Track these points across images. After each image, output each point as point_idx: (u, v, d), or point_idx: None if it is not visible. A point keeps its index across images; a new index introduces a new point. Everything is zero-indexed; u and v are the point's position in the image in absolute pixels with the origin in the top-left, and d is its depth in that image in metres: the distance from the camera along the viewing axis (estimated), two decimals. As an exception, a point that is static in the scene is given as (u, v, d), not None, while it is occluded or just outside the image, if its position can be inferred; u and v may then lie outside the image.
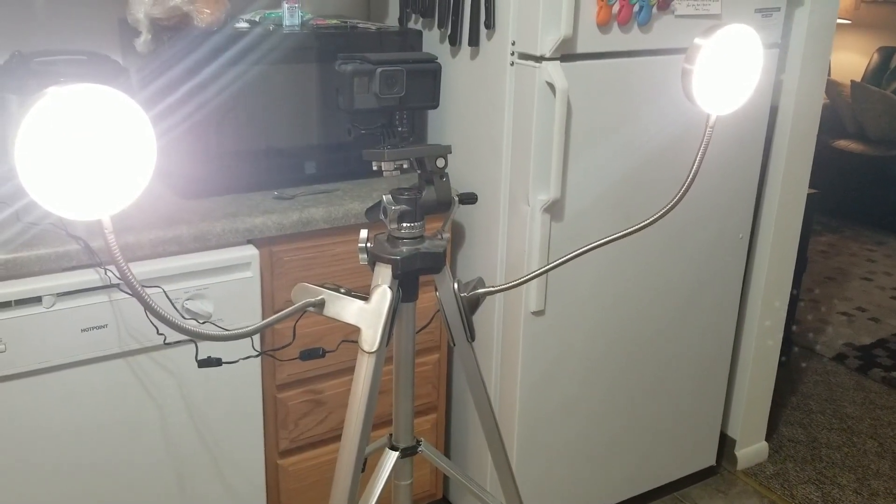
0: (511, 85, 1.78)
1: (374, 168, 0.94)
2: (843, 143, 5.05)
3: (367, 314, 0.97)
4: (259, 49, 1.70)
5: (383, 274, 0.98)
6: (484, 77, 1.85)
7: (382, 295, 0.97)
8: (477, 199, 1.09)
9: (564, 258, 1.08)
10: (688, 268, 2.11)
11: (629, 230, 1.08)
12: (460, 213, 2.00)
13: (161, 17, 1.66)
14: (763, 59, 1.01)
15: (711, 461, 2.45)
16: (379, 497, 1.07)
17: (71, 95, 0.67)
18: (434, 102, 0.96)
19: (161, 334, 1.49)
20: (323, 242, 1.74)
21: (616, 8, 1.73)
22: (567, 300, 1.92)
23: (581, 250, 1.08)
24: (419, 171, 0.98)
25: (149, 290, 1.50)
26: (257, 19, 1.85)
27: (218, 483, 1.74)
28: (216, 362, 1.15)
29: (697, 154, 1.03)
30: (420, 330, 1.13)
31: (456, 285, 1.04)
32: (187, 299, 1.58)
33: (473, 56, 1.88)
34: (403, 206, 0.97)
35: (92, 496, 1.61)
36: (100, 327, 1.51)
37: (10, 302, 1.43)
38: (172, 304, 1.52)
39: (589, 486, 2.18)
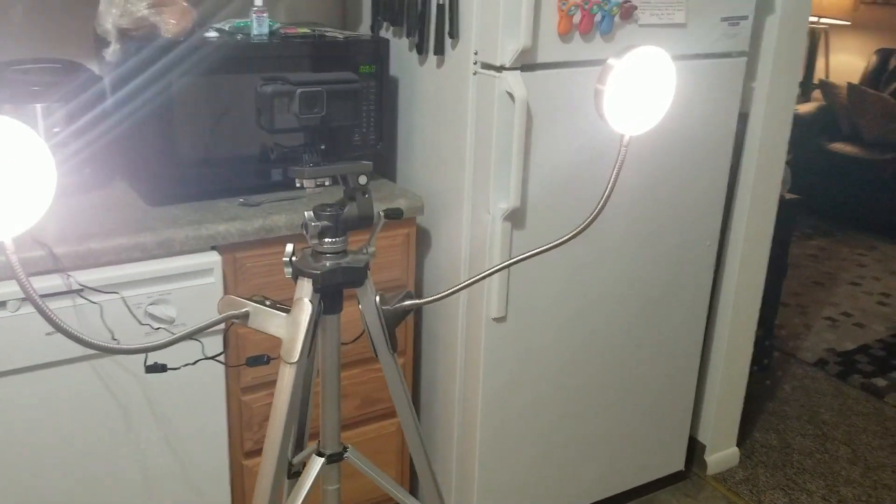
0: (473, 94, 1.81)
1: (297, 185, 0.98)
2: (838, 146, 5.05)
3: (288, 326, 1.00)
4: (224, 58, 1.73)
5: (305, 287, 1.01)
6: (448, 85, 1.88)
7: (302, 308, 1.00)
8: (403, 214, 1.13)
9: (488, 271, 1.11)
10: (654, 274, 2.13)
11: (545, 247, 1.11)
12: (426, 218, 2.04)
13: (129, 28, 1.70)
14: (674, 80, 1.04)
15: (680, 466, 2.48)
16: (307, 501, 1.11)
17: None
18: (356, 121, 0.99)
19: (115, 339, 1.54)
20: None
21: (577, 18, 1.76)
22: (529, 306, 1.95)
23: (503, 264, 1.11)
24: (343, 188, 1.02)
25: (106, 297, 1.54)
26: (226, 28, 1.88)
27: (183, 483, 1.78)
28: (161, 368, 1.18)
29: (613, 172, 1.06)
30: (350, 342, 1.16)
31: (378, 298, 1.07)
32: (150, 304, 1.62)
33: (439, 65, 1.91)
34: (324, 223, 1.00)
35: (57, 496, 1.65)
36: (62, 331, 1.55)
37: (-26, 306, 1.47)
38: (130, 311, 1.56)
39: (554, 490, 2.21)
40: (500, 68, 1.73)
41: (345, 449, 1.18)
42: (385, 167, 2.18)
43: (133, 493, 1.73)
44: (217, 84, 1.74)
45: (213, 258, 1.68)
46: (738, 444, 2.65)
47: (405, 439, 1.20)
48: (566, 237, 1.09)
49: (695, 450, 2.57)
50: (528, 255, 1.11)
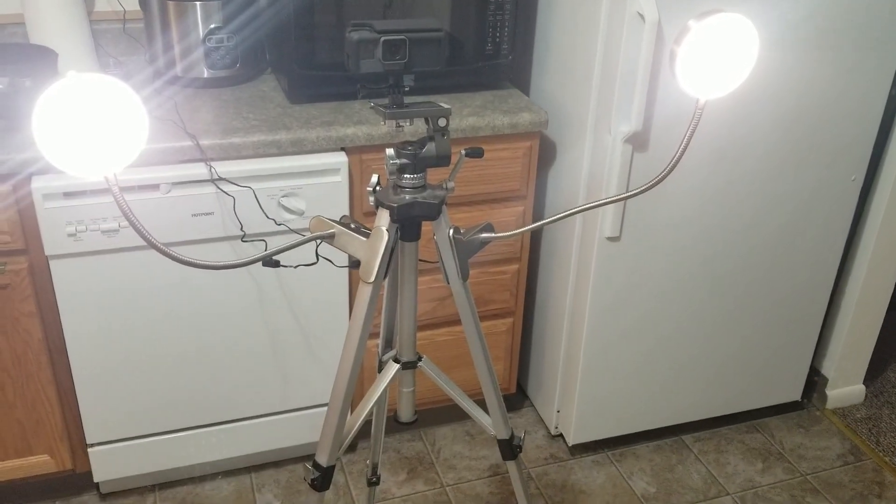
0: (606, 12, 1.80)
1: (382, 124, 1.07)
2: None
3: (366, 250, 1.12)
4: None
5: (383, 217, 1.12)
6: (582, 2, 1.87)
7: (379, 236, 1.11)
8: (483, 153, 1.19)
9: (576, 209, 1.16)
10: (788, 204, 2.08)
11: (617, 197, 1.14)
12: (553, 132, 2.07)
13: (278, -66, 1.80)
14: (755, 48, 1.01)
15: (796, 396, 2.46)
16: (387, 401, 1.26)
17: (76, 84, 0.83)
18: (439, 66, 1.06)
19: (242, 231, 1.72)
20: (410, 154, 1.89)
21: (718, -59, 1.69)
22: (646, 227, 1.98)
23: (580, 208, 1.16)
24: (426, 127, 1.10)
25: (239, 189, 1.72)
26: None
27: (309, 357, 2.00)
28: (275, 264, 1.34)
29: (686, 133, 1.07)
30: (433, 263, 1.24)
31: (451, 231, 1.16)
32: (283, 196, 1.79)
33: (577, -21, 1.89)
34: (403, 160, 1.09)
35: (195, 356, 1.91)
36: (207, 214, 1.76)
37: (134, 187, 1.70)
38: (259, 204, 1.73)
39: (656, 404, 2.28)
40: (632, -11, 1.70)
41: (419, 358, 1.30)
42: (519, 78, 2.21)
43: (264, 359, 1.97)
44: (357, -9, 1.82)
45: (341, 158, 1.82)
46: (866, 382, 2.59)
47: (475, 361, 1.31)
48: (638, 190, 1.13)
49: (816, 382, 2.54)
50: (604, 203, 1.15)
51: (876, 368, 2.70)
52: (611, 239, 1.96)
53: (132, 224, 0.94)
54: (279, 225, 1.77)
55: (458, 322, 2.14)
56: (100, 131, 0.83)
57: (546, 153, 2.12)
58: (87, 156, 0.84)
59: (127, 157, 0.87)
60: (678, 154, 1.09)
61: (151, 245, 0.97)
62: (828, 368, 2.52)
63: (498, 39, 1.97)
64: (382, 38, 1.02)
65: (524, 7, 2.00)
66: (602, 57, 1.83)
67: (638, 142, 1.86)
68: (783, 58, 1.87)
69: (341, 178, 1.82)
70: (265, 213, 1.75)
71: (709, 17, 0.98)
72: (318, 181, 1.81)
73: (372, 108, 1.90)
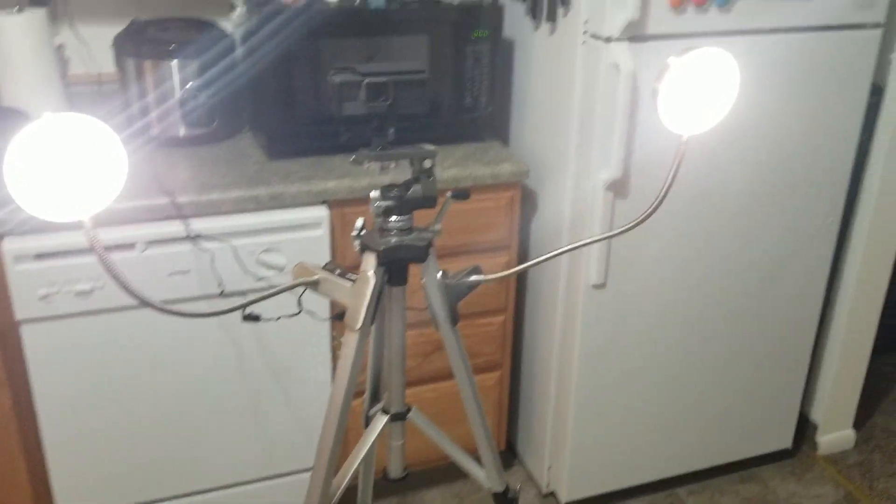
0: (581, 63, 1.81)
1: (365, 167, 1.05)
2: None
3: (352, 296, 1.09)
4: (342, 22, 1.82)
5: (369, 261, 1.09)
6: (559, 53, 1.89)
7: (365, 280, 1.08)
8: (469, 195, 1.17)
9: (554, 253, 1.15)
10: (769, 246, 2.08)
11: (604, 236, 1.13)
12: (534, 181, 2.07)
13: (254, -8, 1.81)
14: (736, 83, 1.02)
15: (787, 444, 2.43)
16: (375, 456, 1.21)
17: (51, 124, 0.80)
18: (423, 108, 1.04)
19: (220, 287, 1.69)
20: (391, 207, 1.87)
21: (690, -11, 1.72)
22: (631, 274, 1.96)
23: (569, 247, 1.15)
24: (411, 169, 1.08)
25: (218, 245, 1.69)
26: (348, -9, 1.96)
27: (292, 418, 1.94)
28: (255, 318, 1.30)
29: (671, 170, 1.06)
30: (424, 308, 1.21)
31: (440, 275, 1.13)
32: (262, 252, 1.76)
33: (551, 31, 1.91)
34: (389, 202, 1.07)
35: (172, 421, 1.85)
36: (183, 272, 1.72)
37: (108, 247, 1.66)
38: (238, 260, 1.70)
39: (649, 456, 2.23)
40: (608, 39, 1.72)
41: (408, 409, 1.26)
42: (499, 129, 2.22)
43: (244, 423, 1.91)
44: (334, 46, 1.83)
45: (322, 212, 1.80)
46: (856, 427, 2.56)
47: (467, 409, 1.27)
48: (626, 227, 1.11)
49: (805, 429, 2.51)
50: (585, 244, 1.14)
51: (864, 413, 2.68)
52: (596, 286, 1.95)
53: (107, 269, 0.90)
54: (259, 280, 1.73)
55: (444, 378, 2.10)
56: (76, 171, 0.80)
57: (528, 203, 2.11)
58: (62, 198, 0.81)
59: (105, 198, 0.84)
60: (664, 190, 1.08)
61: (128, 291, 0.94)
62: (817, 414, 2.50)
63: (477, 92, 1.98)
64: (366, 81, 1.00)
65: (501, 60, 2.01)
66: (580, 107, 1.84)
67: (618, 188, 1.85)
68: (758, 101, 1.89)
69: (322, 232, 1.80)
70: (244, 269, 1.72)
71: (688, 53, 0.98)
72: (298, 236, 1.78)
73: (353, 161, 1.90)
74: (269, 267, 1.76)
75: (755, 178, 1.98)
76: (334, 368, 1.96)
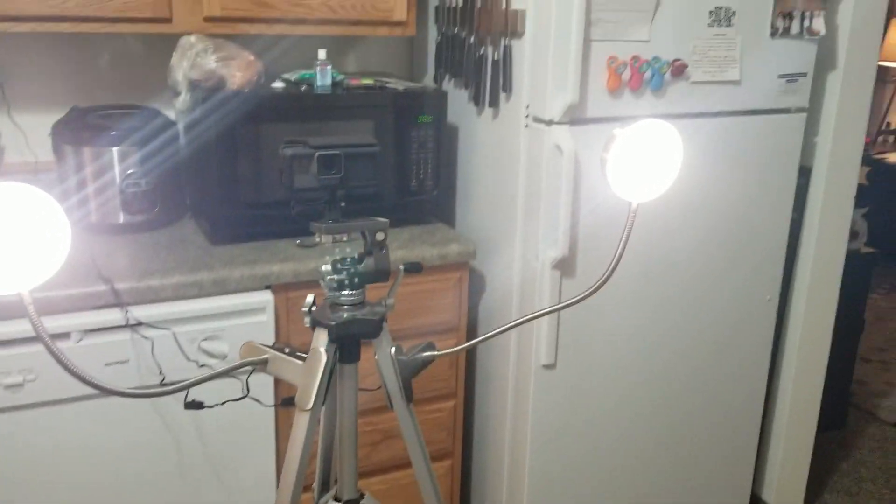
0: (525, 145, 1.85)
1: (317, 240, 1.03)
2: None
3: (303, 375, 1.05)
4: (287, 108, 1.83)
5: (321, 337, 1.06)
6: (502, 136, 1.93)
7: (317, 357, 1.05)
8: (422, 268, 1.16)
9: (506, 326, 1.13)
10: (711, 325, 2.11)
11: (557, 306, 1.13)
12: (481, 262, 2.07)
13: (198, 79, 1.81)
14: (680, 152, 1.04)
15: (740, 525, 2.41)
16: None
17: None
18: (374, 182, 1.04)
19: (162, 375, 1.62)
20: (338, 290, 1.84)
21: (626, 75, 1.78)
22: (580, 355, 1.96)
23: (525, 318, 1.14)
24: (363, 242, 1.07)
25: (158, 332, 1.63)
26: (293, 79, 1.98)
27: (231, 513, 1.85)
28: (199, 405, 1.25)
29: (622, 237, 1.07)
30: (376, 389, 1.17)
31: (393, 350, 1.11)
32: (203, 340, 1.70)
33: (494, 116, 1.95)
34: (341, 276, 1.05)
35: (111, 517, 1.74)
36: (122, 362, 1.65)
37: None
38: (179, 346, 1.64)
39: (604, 542, 2.18)
40: (550, 122, 1.77)
41: (361, 496, 1.21)
42: (443, 212, 2.23)
43: (183, 520, 1.81)
44: (279, 131, 1.83)
45: (267, 297, 1.76)
46: (806, 506, 2.56)
47: (423, 491, 1.23)
48: (574, 300, 1.11)
49: (757, 509, 2.50)
50: (537, 315, 1.13)
51: (814, 491, 2.68)
52: (546, 367, 1.93)
53: (48, 348, 0.86)
54: (201, 367, 1.67)
55: (394, 468, 2.03)
56: (14, 240, 0.77)
57: (475, 284, 2.11)
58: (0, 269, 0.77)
59: (45, 270, 0.80)
60: (617, 255, 1.08)
61: (71, 372, 0.89)
62: (768, 494, 2.49)
63: (422, 176, 2.00)
64: (317, 153, 1.00)
65: (446, 144, 2.04)
66: (525, 187, 1.87)
67: (565, 266, 1.87)
68: (697, 182, 1.95)
69: (267, 318, 1.76)
70: (186, 357, 1.66)
71: (633, 125, 1.01)
72: (242, 321, 1.74)
73: (299, 244, 1.88)
74: (211, 355, 1.71)
75: (697, 257, 2.02)
76: (279, 460, 1.88)
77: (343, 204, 1.04)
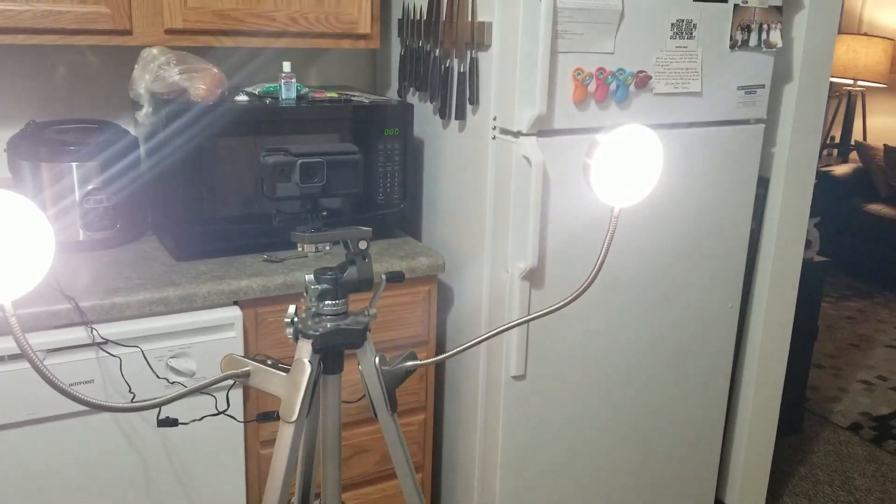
0: (493, 157, 1.86)
1: (299, 249, 1.02)
2: (875, 208, 5.00)
3: (287, 386, 1.04)
4: (252, 121, 1.81)
5: (304, 348, 1.05)
6: (469, 149, 1.93)
7: (301, 368, 1.03)
8: (404, 277, 1.16)
9: (486, 335, 1.13)
10: (674, 334, 2.13)
11: (544, 311, 1.13)
12: (449, 276, 2.07)
13: (161, 92, 1.78)
14: (661, 157, 1.06)
15: (706, 530, 2.43)
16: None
17: None
18: (357, 189, 1.04)
19: (131, 393, 1.58)
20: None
21: (592, 87, 1.80)
22: (549, 365, 1.96)
23: (487, 335, 1.14)
24: (345, 252, 1.06)
25: (127, 350, 1.59)
26: (256, 92, 1.96)
27: (199, 535, 1.80)
28: (173, 423, 1.22)
29: (605, 241, 1.08)
30: (356, 401, 1.16)
31: (377, 360, 1.10)
32: (171, 357, 1.67)
33: (461, 129, 1.96)
34: (324, 286, 1.04)
35: (75, 543, 1.69)
36: (87, 382, 1.61)
37: (3, 357, 1.53)
38: (148, 364, 1.61)
39: (574, 552, 2.18)
40: (518, 134, 1.78)
41: (346, 507, 1.20)
42: (410, 225, 2.23)
43: (150, 543, 1.76)
44: (244, 145, 1.81)
45: (235, 313, 1.73)
46: (766, 511, 2.60)
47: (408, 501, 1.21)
48: (555, 307, 1.12)
49: (720, 515, 2.53)
50: (515, 324, 1.13)
51: (772, 494, 2.73)
52: (516, 377, 1.93)
53: (32, 362, 0.83)
54: (172, 384, 1.63)
55: (365, 483, 2.01)
56: None
57: (444, 297, 2.10)
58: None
59: (29, 280, 0.78)
60: (600, 260, 1.09)
61: (60, 390, 0.86)
62: (731, 498, 2.52)
63: (389, 189, 1.99)
64: (300, 161, 0.99)
65: (412, 157, 2.04)
66: (493, 199, 1.88)
67: (534, 278, 1.88)
68: (660, 191, 1.98)
69: (235, 334, 1.73)
70: (155, 374, 1.62)
71: (614, 130, 1.02)
72: (210, 338, 1.71)
73: (266, 260, 1.85)
74: (180, 372, 1.67)
75: (661, 266, 2.04)
76: (249, 476, 1.85)
77: (325, 213, 1.02)
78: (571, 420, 2.05)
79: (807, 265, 2.54)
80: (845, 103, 5.75)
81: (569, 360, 1.99)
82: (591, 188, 1.03)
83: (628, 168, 1.03)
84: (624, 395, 2.11)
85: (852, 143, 5.68)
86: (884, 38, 5.38)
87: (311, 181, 0.99)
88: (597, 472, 2.14)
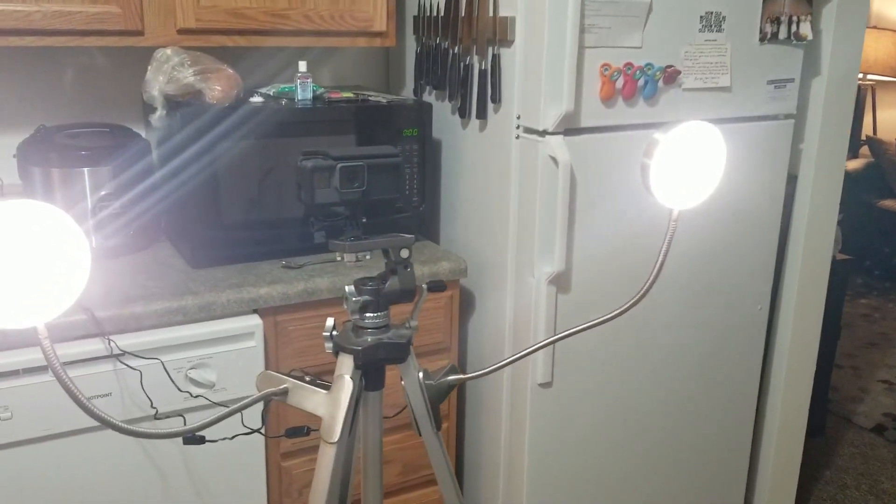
0: (517, 157, 1.80)
1: (338, 259, 0.96)
2: (888, 203, 4.94)
3: (328, 405, 0.98)
4: (268, 123, 1.75)
5: (346, 364, 0.99)
6: (492, 149, 1.87)
7: (342, 385, 0.97)
8: (445, 287, 1.10)
9: (533, 347, 1.08)
10: (704, 338, 2.08)
11: (590, 323, 1.08)
12: (470, 280, 2.01)
13: (175, 94, 1.73)
14: (723, 155, 1.00)
15: (734, 537, 2.37)
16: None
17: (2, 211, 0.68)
18: (397, 194, 0.98)
19: (154, 408, 1.53)
20: (328, 312, 1.76)
21: (620, 83, 1.75)
22: (576, 371, 1.91)
23: (547, 340, 1.08)
24: (385, 261, 1.00)
25: (146, 362, 1.53)
26: (272, 93, 1.90)
27: (220, 551, 1.75)
28: (199, 440, 1.16)
29: (662, 248, 1.03)
30: (392, 416, 1.12)
31: (421, 375, 1.04)
32: (190, 368, 1.61)
33: (482, 128, 1.90)
34: (365, 297, 0.98)
35: (93, 562, 1.63)
36: (104, 395, 1.55)
37: (18, 370, 1.48)
38: (169, 376, 1.55)
39: (602, 562, 2.13)
40: (543, 133, 1.72)
41: (385, 526, 1.14)
42: (428, 229, 2.17)
43: (170, 561, 1.70)
44: (261, 148, 1.75)
45: (255, 321, 1.68)
46: (795, 515, 2.54)
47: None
48: (613, 314, 1.06)
49: (748, 521, 2.47)
50: (572, 332, 1.08)
51: (801, 500, 2.67)
52: (543, 385, 1.88)
53: (62, 382, 0.77)
54: (195, 397, 1.57)
55: (391, 494, 1.95)
56: (29, 266, 0.68)
57: (465, 302, 2.05)
58: (11, 301, 0.68)
59: (64, 300, 0.72)
60: (658, 265, 1.04)
61: (94, 416, 0.80)
62: (759, 502, 2.46)
63: (408, 192, 1.93)
64: (339, 165, 0.93)
65: (430, 159, 1.98)
66: (518, 200, 1.82)
67: (561, 282, 1.82)
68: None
69: (256, 343, 1.67)
70: (177, 387, 1.56)
71: (675, 128, 0.96)
72: (230, 348, 1.65)
73: (284, 266, 1.79)
74: (199, 384, 1.61)
75: (690, 268, 1.99)
76: (270, 492, 1.79)
77: (364, 220, 0.97)
78: (598, 426, 1.99)
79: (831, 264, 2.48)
80: (855, 97, 5.69)
81: (595, 365, 1.93)
82: (650, 191, 0.97)
83: (689, 167, 0.97)
84: (652, 400, 2.05)
85: (863, 137, 5.61)
86: (894, 31, 5.33)
87: (351, 186, 0.94)
88: (625, 479, 2.08)
